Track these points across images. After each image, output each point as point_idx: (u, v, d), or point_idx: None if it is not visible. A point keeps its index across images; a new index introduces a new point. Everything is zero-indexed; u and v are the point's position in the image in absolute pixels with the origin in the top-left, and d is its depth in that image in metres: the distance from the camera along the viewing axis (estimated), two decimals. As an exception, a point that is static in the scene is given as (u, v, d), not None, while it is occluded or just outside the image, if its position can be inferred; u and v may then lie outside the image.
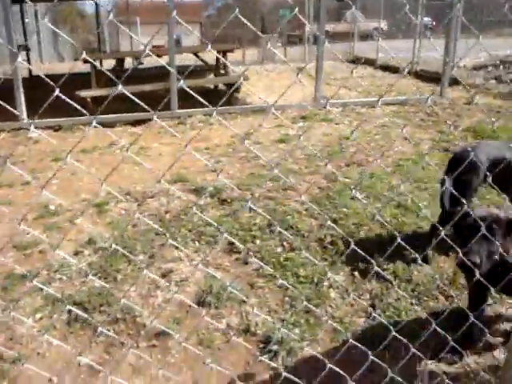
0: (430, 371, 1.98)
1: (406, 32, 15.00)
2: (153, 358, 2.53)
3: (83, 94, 6.91)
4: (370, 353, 1.63)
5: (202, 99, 1.36)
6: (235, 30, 17.88)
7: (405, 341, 1.83)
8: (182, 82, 1.26)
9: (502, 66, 10.05)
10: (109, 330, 2.69)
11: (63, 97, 1.19)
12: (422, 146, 5.52)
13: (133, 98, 1.22)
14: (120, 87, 1.16)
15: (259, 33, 14.88)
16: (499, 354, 2.37)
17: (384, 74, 11.04)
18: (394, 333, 1.65)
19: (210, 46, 1.33)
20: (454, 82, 9.14)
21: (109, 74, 1.62)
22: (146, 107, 1.40)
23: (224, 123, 6.64)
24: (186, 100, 7.41)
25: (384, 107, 7.39)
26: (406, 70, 9.74)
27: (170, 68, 6.97)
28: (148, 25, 18.71)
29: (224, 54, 8.21)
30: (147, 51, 1.28)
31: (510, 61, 10.57)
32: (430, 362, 1.90)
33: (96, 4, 14.65)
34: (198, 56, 8.09)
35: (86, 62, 7.56)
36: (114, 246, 3.53)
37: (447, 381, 1.98)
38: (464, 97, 8.04)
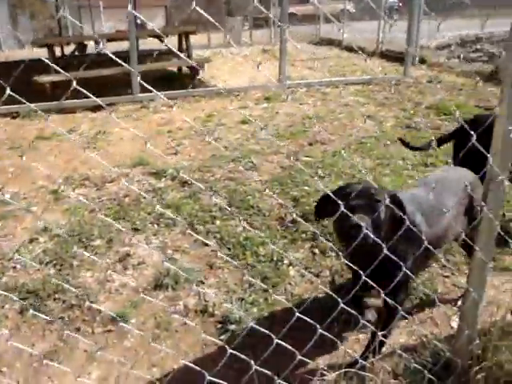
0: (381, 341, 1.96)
1: (372, 13, 15.02)
2: (108, 343, 2.46)
3: (41, 79, 6.69)
4: (318, 326, 1.60)
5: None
6: (201, 13, 17.59)
7: (354, 313, 1.81)
8: (129, 66, 1.18)
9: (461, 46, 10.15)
10: (63, 318, 2.61)
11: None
12: (385, 124, 5.52)
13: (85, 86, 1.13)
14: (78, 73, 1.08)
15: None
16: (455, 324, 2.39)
17: (350, 55, 11.03)
18: (342, 305, 1.62)
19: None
20: (419, 61, 9.21)
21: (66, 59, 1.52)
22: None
23: (185, 106, 6.59)
24: (148, 84, 7.28)
25: (348, 87, 7.38)
26: (364, 56, 9.74)
27: (130, 51, 6.84)
28: (112, 9, 18.31)
29: (186, 36, 8.04)
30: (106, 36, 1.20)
31: (472, 40, 10.70)
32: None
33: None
34: (160, 39, 7.90)
35: (40, 46, 7.36)
36: (69, 232, 3.46)
37: (399, 351, 1.98)
38: (427, 75, 8.10)
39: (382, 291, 1.67)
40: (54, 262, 3.12)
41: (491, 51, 9.63)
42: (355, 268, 1.66)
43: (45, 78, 6.67)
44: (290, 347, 1.59)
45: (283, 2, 6.96)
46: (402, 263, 1.65)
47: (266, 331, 1.57)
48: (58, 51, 10.90)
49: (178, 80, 8.26)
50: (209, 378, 1.49)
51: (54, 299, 2.76)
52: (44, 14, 17.58)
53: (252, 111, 6.21)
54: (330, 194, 1.52)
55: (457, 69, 8.83)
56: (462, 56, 9.53)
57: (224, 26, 13.11)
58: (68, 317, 2.63)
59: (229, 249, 3.09)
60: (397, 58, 9.62)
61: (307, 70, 9.31)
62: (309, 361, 1.83)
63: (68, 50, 10.45)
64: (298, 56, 10.97)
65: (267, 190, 3.77)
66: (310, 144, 4.88)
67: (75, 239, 3.36)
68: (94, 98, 1.25)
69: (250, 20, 16.69)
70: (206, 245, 3.21)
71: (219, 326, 2.49)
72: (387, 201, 1.59)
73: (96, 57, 10.34)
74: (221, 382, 1.53)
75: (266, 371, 1.60)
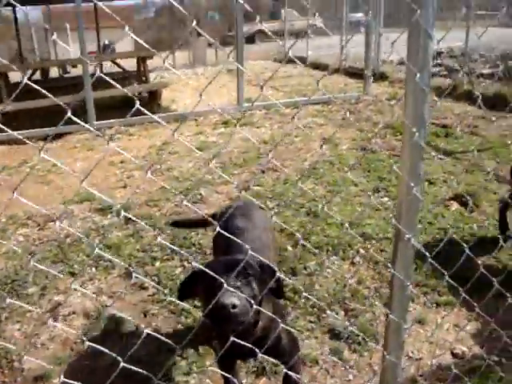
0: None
1: (339, 28, 15.13)
2: (28, 406, 2.31)
3: (-8, 110, 6.49)
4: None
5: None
6: (170, 33, 17.61)
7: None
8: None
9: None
10: (-19, 380, 2.45)
11: None
12: (341, 147, 5.47)
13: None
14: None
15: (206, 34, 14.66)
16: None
17: (314, 72, 11.05)
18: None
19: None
20: (380, 77, 9.26)
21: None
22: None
23: (143, 133, 6.47)
24: (105, 110, 7.16)
25: (308, 106, 7.34)
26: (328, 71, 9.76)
27: (84, 77, 6.70)
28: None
29: (143, 60, 7.94)
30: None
31: (433, 55, 10.78)
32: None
33: (14, 11, 13.94)
34: (116, 64, 7.79)
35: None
36: (3, 279, 3.29)
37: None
38: (387, 92, 8.12)
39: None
40: (-18, 314, 2.95)
41: (451, 66, 9.71)
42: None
43: (-5, 109, 6.48)
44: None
45: (237, 21, 6.88)
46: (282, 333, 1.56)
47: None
48: (17, 77, 10.74)
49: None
50: None
51: (-26, 359, 2.59)
52: (8, 35, 17.31)
53: (208, 137, 6.11)
54: (205, 270, 1.40)
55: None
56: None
57: (189, 46, 13.04)
58: (-13, 379, 2.46)
59: (164, 294, 2.95)
60: (360, 74, 9.65)
61: (270, 90, 9.27)
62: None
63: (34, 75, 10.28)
64: (263, 74, 10.96)
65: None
66: (263, 171, 4.79)
67: (8, 287, 3.19)
68: (46, 129, 1.12)
69: (218, 38, 16.71)
70: (144, 288, 3.07)
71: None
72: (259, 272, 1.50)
73: (56, 83, 10.21)
74: None
75: None
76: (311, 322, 2.70)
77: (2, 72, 7.04)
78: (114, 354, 1.26)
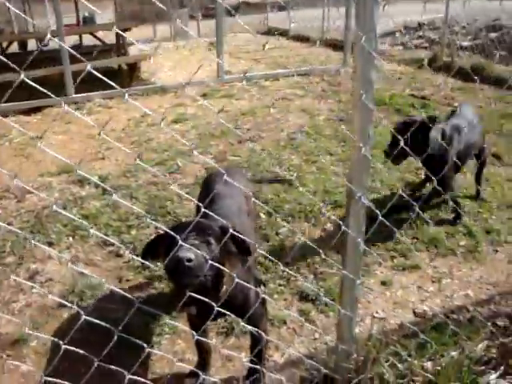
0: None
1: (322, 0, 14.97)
2: (5, 369, 2.38)
3: (-32, 83, 6.39)
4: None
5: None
6: (151, 5, 17.25)
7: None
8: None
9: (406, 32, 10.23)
10: (-40, 344, 2.51)
11: None
12: (318, 117, 5.52)
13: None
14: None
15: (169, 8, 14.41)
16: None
17: (296, 45, 10.99)
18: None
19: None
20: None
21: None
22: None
23: (122, 106, 6.44)
24: (84, 83, 7.08)
25: (288, 79, 7.35)
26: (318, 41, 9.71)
27: (61, 50, 6.62)
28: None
29: (123, 32, 7.82)
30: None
31: (415, 27, 10.80)
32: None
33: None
34: (95, 36, 7.69)
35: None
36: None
37: (268, 373, 1.97)
38: (368, 64, 8.13)
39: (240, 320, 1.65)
40: (-39, 282, 3.00)
41: (432, 38, 9.74)
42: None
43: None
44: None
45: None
46: (249, 292, 1.63)
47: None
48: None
49: (118, 78, 8.06)
50: None
51: (-46, 323, 2.65)
52: (-15, 9, 16.86)
53: (187, 109, 6.11)
54: (168, 231, 1.47)
55: (398, 57, 8.92)
56: (403, 43, 9.62)
57: (170, 18, 12.83)
58: (-33, 343, 2.53)
59: (136, 256, 3.02)
60: (341, 46, 9.63)
61: (252, 63, 9.22)
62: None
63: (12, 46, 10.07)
64: (244, 47, 10.87)
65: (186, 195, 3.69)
66: (239, 142, 4.84)
67: (-15, 257, 3.24)
68: (25, 102, 1.16)
69: (201, 10, 16.45)
70: (119, 256, 3.14)
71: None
72: (219, 233, 1.57)
73: (35, 55, 10.03)
74: None
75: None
76: (281, 285, 2.80)
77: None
78: (105, 324, 1.33)
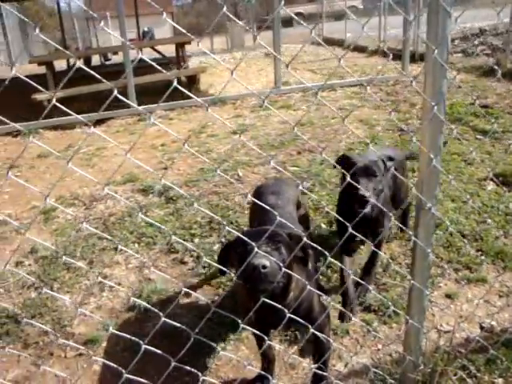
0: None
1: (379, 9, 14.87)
2: (79, 368, 2.51)
3: (39, 97, 6.81)
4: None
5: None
6: (208, 18, 17.71)
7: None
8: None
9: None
10: (37, 343, 2.67)
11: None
12: (377, 128, 5.48)
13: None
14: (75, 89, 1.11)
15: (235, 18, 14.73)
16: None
17: (352, 55, 10.96)
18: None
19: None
20: (419, 58, 9.11)
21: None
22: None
23: (182, 118, 6.65)
24: (146, 96, 7.37)
25: (345, 89, 7.34)
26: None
27: (125, 64, 6.91)
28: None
29: (182, 46, 8.10)
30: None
31: (476, 33, 10.51)
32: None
33: (57, 2, 14.39)
34: (155, 50, 7.97)
35: (40, 64, 7.47)
36: (54, 253, 3.53)
37: (335, 381, 1.97)
38: (427, 73, 7.99)
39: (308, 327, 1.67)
40: (36, 285, 3.18)
41: (494, 44, 9.45)
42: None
43: (42, 96, 6.77)
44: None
45: (274, 3, 6.93)
46: (313, 299, 1.66)
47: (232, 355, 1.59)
48: (63, 64, 11.11)
49: (177, 90, 8.30)
50: None
51: (32, 324, 2.81)
52: (52, 25, 17.85)
53: (245, 120, 6.22)
54: (241, 237, 1.52)
55: (458, 64, 8.71)
56: (463, 50, 9.39)
57: (227, 31, 13.12)
58: (43, 341, 2.68)
59: (204, 267, 3.11)
60: (399, 56, 9.53)
61: (308, 73, 9.28)
62: None
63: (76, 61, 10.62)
64: (300, 58, 10.95)
65: (247, 204, 3.78)
66: (299, 153, 4.88)
67: (59, 261, 3.42)
68: (91, 114, 1.27)
69: (254, 22, 16.70)
70: (183, 263, 3.24)
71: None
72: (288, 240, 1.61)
73: (97, 70, 10.52)
74: None
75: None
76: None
77: (48, 61, 7.32)
78: (180, 325, 1.40)
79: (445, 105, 1.43)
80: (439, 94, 1.40)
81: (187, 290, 1.49)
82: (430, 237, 1.60)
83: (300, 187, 2.38)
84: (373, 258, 2.79)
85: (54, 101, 1.01)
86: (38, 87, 1.14)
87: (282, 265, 1.53)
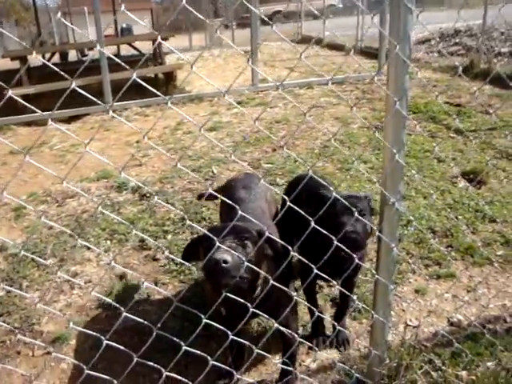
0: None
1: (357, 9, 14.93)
2: (46, 366, 2.47)
3: (12, 93, 6.65)
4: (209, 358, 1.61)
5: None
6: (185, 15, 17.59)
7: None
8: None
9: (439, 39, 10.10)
10: (4, 341, 2.63)
11: None
12: (353, 126, 5.52)
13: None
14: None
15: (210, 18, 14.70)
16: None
17: (330, 53, 11.01)
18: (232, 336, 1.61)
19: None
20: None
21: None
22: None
23: (158, 114, 6.59)
24: (123, 92, 7.30)
25: (322, 87, 7.37)
26: (351, 49, 9.71)
27: (100, 60, 6.83)
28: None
29: (159, 42, 8.02)
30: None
31: (451, 34, 10.65)
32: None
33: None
34: (133, 46, 7.89)
35: (13, 59, 7.35)
36: (24, 251, 3.46)
37: (301, 375, 1.98)
38: (403, 72, 8.07)
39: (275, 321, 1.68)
40: (5, 283, 3.12)
41: (469, 44, 9.60)
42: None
43: (16, 92, 6.64)
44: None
45: (252, 1, 6.91)
46: (282, 295, 1.66)
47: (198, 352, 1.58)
48: (38, 60, 10.91)
49: (154, 87, 8.23)
50: None
51: (-2, 323, 2.77)
52: (28, 20, 17.55)
53: (222, 117, 6.20)
54: (206, 233, 1.52)
55: (434, 64, 8.82)
56: (439, 50, 9.51)
57: (206, 28, 13.06)
58: (10, 340, 2.64)
59: (176, 264, 3.09)
60: (376, 54, 9.59)
61: (286, 71, 9.29)
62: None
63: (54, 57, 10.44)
64: (278, 56, 10.96)
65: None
66: (274, 150, 4.88)
67: (29, 258, 3.36)
68: (65, 111, 1.24)
69: (235, 20, 16.65)
70: (155, 260, 3.22)
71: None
72: (256, 237, 1.61)
73: (73, 66, 10.36)
74: None
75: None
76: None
77: (22, 56, 7.18)
78: (142, 320, 1.39)
79: (407, 100, 1.44)
80: (402, 90, 1.42)
81: (149, 285, 1.47)
82: (395, 232, 1.61)
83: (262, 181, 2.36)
84: (346, 300, 2.47)
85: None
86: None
87: (244, 259, 1.53)
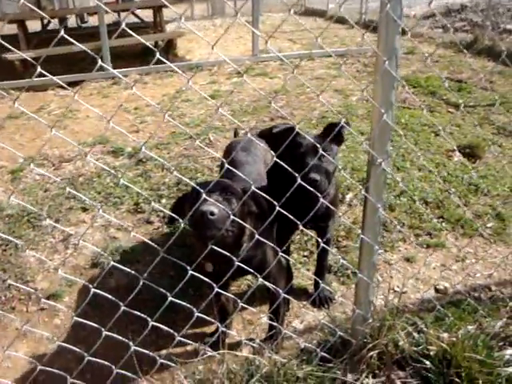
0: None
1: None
2: (40, 321, 2.53)
3: (10, 56, 6.62)
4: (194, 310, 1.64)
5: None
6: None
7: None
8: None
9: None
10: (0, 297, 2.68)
11: None
12: (352, 98, 5.50)
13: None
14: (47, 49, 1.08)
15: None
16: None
17: (333, 26, 10.86)
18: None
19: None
20: (402, 31, 9.07)
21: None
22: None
23: (157, 82, 6.56)
24: (122, 59, 7.24)
25: (323, 59, 7.31)
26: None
27: (99, 27, 6.76)
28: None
29: (159, 9, 7.93)
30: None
31: (457, 9, 10.50)
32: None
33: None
34: (134, 14, 7.79)
35: (10, 22, 7.26)
36: (20, 212, 3.49)
37: (288, 333, 2.03)
38: (406, 47, 7.99)
39: (259, 276, 1.71)
40: (0, 242, 3.16)
41: (475, 20, 9.47)
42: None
43: (14, 56, 6.59)
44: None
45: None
46: (267, 251, 1.69)
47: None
48: (37, 25, 10.77)
49: (153, 55, 8.15)
50: (134, 347, 1.56)
51: (-6, 279, 2.81)
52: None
53: (221, 86, 6.17)
54: (194, 186, 1.54)
55: (438, 40, 8.72)
56: (444, 26, 9.38)
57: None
58: (5, 296, 2.69)
59: (169, 227, 3.13)
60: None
61: (287, 43, 9.20)
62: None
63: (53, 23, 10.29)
64: (280, 28, 10.81)
65: (216, 168, 3.79)
66: (272, 119, 4.87)
67: (24, 220, 3.40)
68: (64, 76, 1.25)
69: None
70: (149, 222, 3.26)
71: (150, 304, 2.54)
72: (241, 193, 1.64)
73: (72, 31, 10.25)
74: (144, 351, 1.64)
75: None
76: (304, 256, 2.86)
77: (19, 20, 7.09)
78: (130, 271, 1.42)
79: (397, 60, 1.44)
80: (391, 50, 1.42)
81: (136, 235, 1.50)
82: (381, 192, 1.63)
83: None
84: (323, 257, 2.51)
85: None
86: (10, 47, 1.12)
87: (230, 213, 1.56)
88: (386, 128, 1.50)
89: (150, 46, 1.28)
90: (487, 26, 8.43)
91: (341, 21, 11.16)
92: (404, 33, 5.61)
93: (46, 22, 10.12)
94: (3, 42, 1.11)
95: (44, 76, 1.19)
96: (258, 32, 6.90)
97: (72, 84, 6.77)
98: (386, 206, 3.20)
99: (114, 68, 6.85)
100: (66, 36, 1.14)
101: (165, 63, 1.30)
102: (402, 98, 5.39)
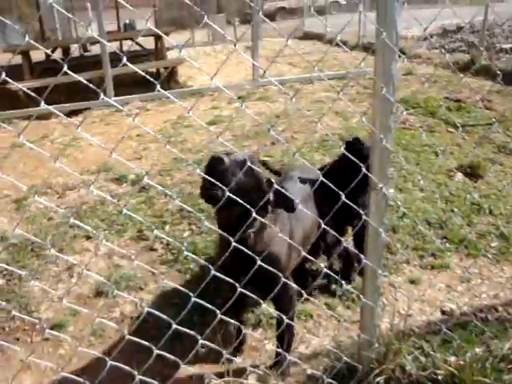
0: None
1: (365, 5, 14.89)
2: (44, 351, 2.52)
3: (14, 86, 6.70)
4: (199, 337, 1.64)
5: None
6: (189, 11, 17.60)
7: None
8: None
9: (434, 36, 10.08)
10: (3, 328, 2.67)
11: None
12: (352, 120, 5.54)
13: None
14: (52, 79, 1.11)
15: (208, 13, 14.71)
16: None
17: (332, 49, 10.99)
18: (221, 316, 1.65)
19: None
20: (400, 53, 9.19)
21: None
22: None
23: (160, 109, 6.63)
24: (124, 87, 7.34)
25: (322, 82, 7.39)
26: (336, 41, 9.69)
27: (101, 55, 6.87)
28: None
29: (160, 37, 8.06)
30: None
31: (453, 30, 10.64)
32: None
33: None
34: (136, 42, 7.92)
35: (13, 53, 7.38)
36: (24, 241, 3.50)
37: (293, 359, 2.01)
38: (404, 68, 8.08)
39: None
40: (5, 272, 3.16)
41: (471, 41, 9.59)
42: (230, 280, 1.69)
43: (19, 85, 6.67)
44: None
45: (254, -2, 6.95)
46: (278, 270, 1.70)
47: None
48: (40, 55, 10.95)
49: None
50: (139, 377, 1.55)
51: (-2, 310, 2.81)
52: (31, 16, 17.55)
53: (222, 111, 6.23)
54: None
55: (435, 60, 8.82)
56: (441, 47, 9.51)
57: (209, 24, 13.05)
58: (9, 327, 2.68)
59: (172, 254, 3.13)
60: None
61: (287, 66, 9.32)
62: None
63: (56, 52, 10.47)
64: (280, 52, 10.95)
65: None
66: (273, 143, 4.91)
67: (28, 249, 3.41)
68: (67, 105, 1.28)
69: (237, 16, 16.67)
70: (153, 250, 3.26)
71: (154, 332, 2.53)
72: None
73: (75, 60, 10.41)
74: (149, 380, 1.60)
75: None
76: (308, 279, 2.84)
77: (24, 51, 7.22)
78: (135, 299, 1.42)
79: (394, 86, 1.47)
80: (389, 76, 1.44)
81: (140, 263, 1.50)
82: (383, 217, 1.64)
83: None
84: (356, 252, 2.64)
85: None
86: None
87: (240, 173, 1.62)
88: (385, 153, 1.52)
89: (151, 79, 1.31)
90: (483, 47, 8.53)
91: (338, 43, 11.31)
92: (403, 53, 5.70)
93: (50, 51, 10.30)
94: (6, 77, 1.13)
95: (48, 105, 1.21)
96: (258, 61, 7.03)
97: (76, 112, 6.87)
98: (388, 227, 3.20)
99: (117, 95, 6.95)
100: (68, 71, 1.16)
101: (166, 90, 1.32)
102: (403, 119, 5.44)
